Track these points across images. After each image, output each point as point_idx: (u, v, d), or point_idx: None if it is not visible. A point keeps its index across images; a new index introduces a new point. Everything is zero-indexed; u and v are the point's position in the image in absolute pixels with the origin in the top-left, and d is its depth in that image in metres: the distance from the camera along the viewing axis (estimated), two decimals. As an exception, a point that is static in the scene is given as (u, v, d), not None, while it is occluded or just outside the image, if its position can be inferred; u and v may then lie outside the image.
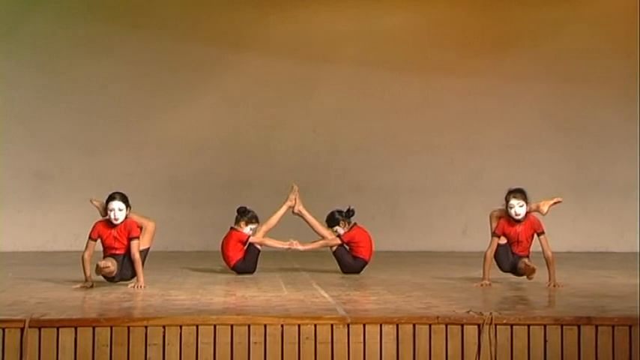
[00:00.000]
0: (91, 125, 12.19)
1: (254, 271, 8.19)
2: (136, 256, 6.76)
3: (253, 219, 8.23)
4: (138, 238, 6.81)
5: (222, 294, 6.34)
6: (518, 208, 6.97)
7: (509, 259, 7.09)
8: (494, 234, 7.05)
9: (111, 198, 6.83)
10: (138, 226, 6.87)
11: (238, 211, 8.26)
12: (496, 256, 7.10)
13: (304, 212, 8.47)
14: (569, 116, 12.48)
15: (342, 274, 8.19)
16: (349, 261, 8.28)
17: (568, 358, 4.96)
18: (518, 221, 7.02)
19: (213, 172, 12.27)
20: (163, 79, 12.25)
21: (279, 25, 12.45)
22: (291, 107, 12.48)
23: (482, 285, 6.93)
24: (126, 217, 6.82)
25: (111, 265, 6.66)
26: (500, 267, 7.18)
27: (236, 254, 8.17)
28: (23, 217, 11.88)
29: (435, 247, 11.97)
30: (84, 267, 6.76)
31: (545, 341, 4.97)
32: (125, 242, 6.81)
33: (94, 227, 6.87)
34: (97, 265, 6.53)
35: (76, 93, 12.16)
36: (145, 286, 6.65)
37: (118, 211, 6.77)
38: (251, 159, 12.37)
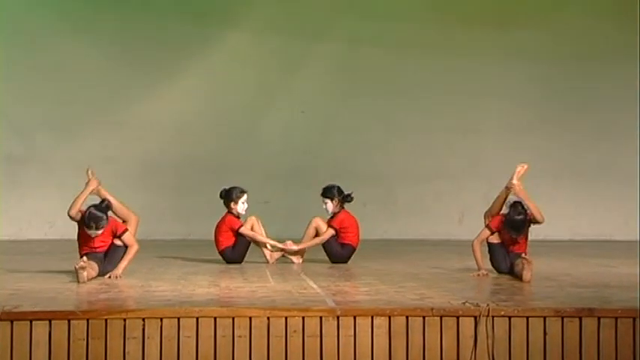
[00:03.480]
0: (67, 106, 12.11)
1: (242, 261, 8.19)
2: (134, 245, 6.77)
3: (239, 192, 8.19)
4: (127, 230, 6.79)
5: (205, 285, 6.34)
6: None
7: (506, 259, 7.05)
8: (488, 226, 7.05)
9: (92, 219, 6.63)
10: (121, 222, 6.83)
11: (221, 195, 8.25)
12: (492, 257, 7.10)
13: (295, 247, 8.41)
14: (571, 98, 12.49)
15: (330, 264, 8.20)
16: (337, 249, 8.30)
17: (569, 351, 4.98)
18: None
19: (196, 156, 12.24)
20: (144, 57, 12.19)
21: (267, 0, 12.39)
22: (279, 87, 12.45)
23: (478, 275, 6.94)
24: (107, 223, 6.70)
25: (92, 271, 6.53)
26: (496, 269, 7.13)
27: (227, 240, 8.18)
28: (-6, 204, 11.84)
29: (430, 235, 11.99)
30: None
31: (544, 334, 4.99)
32: (108, 241, 6.76)
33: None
34: (75, 268, 6.42)
35: (51, 72, 12.09)
36: (121, 276, 6.61)
37: (95, 231, 6.66)
38: (237, 142, 12.34)
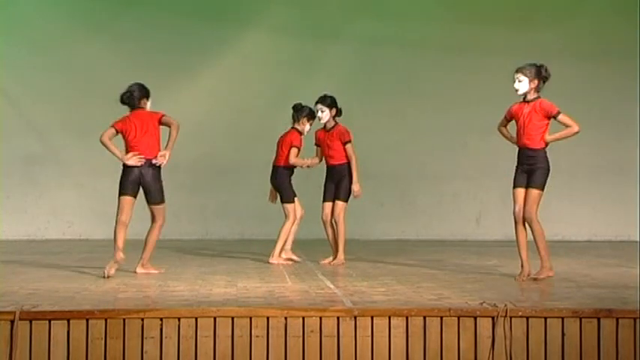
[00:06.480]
0: (84, 106, 12.16)
1: (289, 189, 8.35)
2: (175, 123, 7.39)
3: (312, 114, 8.42)
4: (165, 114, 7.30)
5: (222, 284, 6.36)
6: (517, 82, 6.84)
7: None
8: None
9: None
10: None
11: (294, 108, 8.48)
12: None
13: None
14: (589, 98, 12.42)
15: (348, 266, 8.20)
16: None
17: (587, 352, 4.97)
18: (527, 101, 6.83)
19: (213, 156, 12.27)
20: (161, 58, 12.22)
21: (283, 1, 12.41)
22: (295, 88, 12.43)
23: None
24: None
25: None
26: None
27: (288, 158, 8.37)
28: (13, 204, 11.90)
29: (447, 236, 11.97)
30: (108, 148, 7.24)
31: (562, 334, 4.97)
32: (153, 130, 7.38)
33: (117, 121, 7.42)
34: (115, 260, 6.73)
35: (68, 72, 12.15)
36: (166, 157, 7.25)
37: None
38: (253, 142, 12.34)
